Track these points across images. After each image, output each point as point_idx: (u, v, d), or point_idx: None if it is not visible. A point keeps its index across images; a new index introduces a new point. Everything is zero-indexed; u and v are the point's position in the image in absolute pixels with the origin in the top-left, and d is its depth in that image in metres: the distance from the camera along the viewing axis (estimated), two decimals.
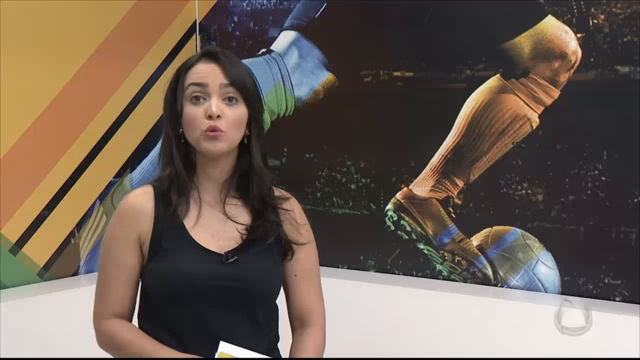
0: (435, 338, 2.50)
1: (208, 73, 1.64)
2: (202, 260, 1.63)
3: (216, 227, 1.68)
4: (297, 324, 1.77)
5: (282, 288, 1.77)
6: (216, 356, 1.46)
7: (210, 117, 1.61)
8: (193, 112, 1.63)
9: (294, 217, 1.75)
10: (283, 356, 1.76)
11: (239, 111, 1.65)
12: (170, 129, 1.68)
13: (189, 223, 1.66)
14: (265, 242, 1.68)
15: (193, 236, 1.65)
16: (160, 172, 1.71)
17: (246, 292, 1.64)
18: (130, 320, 1.71)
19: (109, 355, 1.74)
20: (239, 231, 1.68)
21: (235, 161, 1.70)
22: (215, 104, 1.62)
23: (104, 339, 1.69)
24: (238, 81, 1.65)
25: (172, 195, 1.67)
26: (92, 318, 1.71)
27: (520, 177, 2.53)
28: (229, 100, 1.64)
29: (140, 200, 1.68)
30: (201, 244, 1.65)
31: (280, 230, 1.71)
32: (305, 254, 1.76)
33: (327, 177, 2.90)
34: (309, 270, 1.77)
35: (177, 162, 1.67)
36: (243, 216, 1.70)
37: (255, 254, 1.66)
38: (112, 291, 1.67)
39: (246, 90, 1.66)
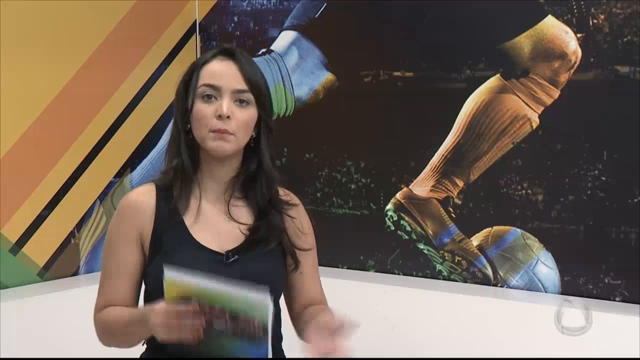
0: (435, 338, 2.50)
1: (223, 74, 1.63)
2: (202, 259, 1.63)
3: (217, 226, 1.68)
4: (303, 308, 1.75)
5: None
6: (165, 286, 1.42)
7: (219, 117, 1.61)
8: (203, 110, 1.62)
9: (298, 225, 1.75)
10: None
11: (249, 113, 1.64)
12: (180, 122, 1.68)
13: (188, 219, 1.66)
14: (267, 247, 1.67)
15: (193, 235, 1.65)
16: (166, 164, 1.70)
17: None
18: None
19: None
20: (241, 231, 1.67)
21: (240, 162, 1.70)
22: (226, 105, 1.61)
23: (97, 331, 1.67)
24: (252, 85, 1.64)
25: (174, 189, 1.67)
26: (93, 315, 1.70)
27: (520, 177, 2.53)
28: (240, 102, 1.64)
29: (142, 198, 1.68)
30: (202, 242, 1.65)
31: (282, 236, 1.70)
32: (308, 255, 1.76)
33: (327, 177, 2.90)
34: (313, 266, 1.78)
35: (184, 156, 1.67)
36: (246, 217, 1.70)
37: (256, 254, 1.66)
38: (112, 286, 1.66)
39: (259, 93, 1.65)
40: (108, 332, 1.66)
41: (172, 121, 1.74)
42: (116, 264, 1.67)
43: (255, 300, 1.39)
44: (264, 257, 1.67)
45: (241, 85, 1.63)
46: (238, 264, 1.64)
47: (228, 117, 1.60)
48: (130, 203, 1.68)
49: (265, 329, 1.40)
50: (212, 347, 1.45)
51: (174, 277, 1.40)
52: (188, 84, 1.66)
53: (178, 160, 1.67)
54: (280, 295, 1.73)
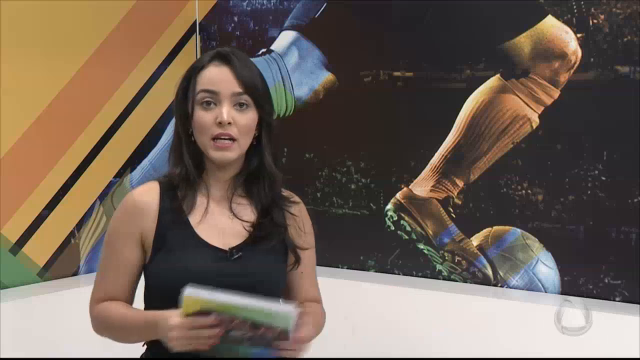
0: (436, 338, 2.50)
1: (219, 79, 1.63)
2: (207, 257, 1.63)
3: (222, 224, 1.68)
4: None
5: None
6: (182, 302, 1.42)
7: (220, 123, 1.61)
8: (203, 118, 1.63)
9: (300, 224, 1.75)
10: None
11: (250, 116, 1.65)
12: (181, 127, 1.68)
13: (194, 219, 1.66)
14: (270, 244, 1.68)
15: (198, 232, 1.65)
16: (170, 169, 1.71)
17: (251, 288, 1.62)
18: None
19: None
20: (244, 228, 1.68)
21: (243, 161, 1.71)
22: (226, 112, 1.61)
23: (95, 322, 1.69)
24: (250, 87, 1.64)
25: (179, 190, 1.67)
26: (89, 307, 1.71)
27: (520, 177, 2.53)
28: (240, 105, 1.64)
29: (146, 197, 1.68)
30: (206, 240, 1.65)
31: (284, 233, 1.71)
32: (309, 255, 1.78)
33: (327, 177, 2.90)
34: (312, 268, 1.79)
35: (187, 160, 1.67)
36: (249, 214, 1.71)
37: (259, 251, 1.67)
38: (109, 280, 1.68)
39: (258, 95, 1.65)
40: (107, 326, 1.68)
41: (173, 123, 1.74)
42: (116, 261, 1.68)
43: (279, 312, 1.42)
44: (267, 253, 1.68)
45: (238, 88, 1.63)
46: (241, 260, 1.64)
47: (229, 123, 1.61)
48: (134, 203, 1.68)
49: (287, 335, 1.43)
50: (224, 351, 1.46)
51: (195, 294, 1.42)
52: (186, 90, 1.67)
53: (182, 168, 1.68)
54: (280, 290, 1.74)
